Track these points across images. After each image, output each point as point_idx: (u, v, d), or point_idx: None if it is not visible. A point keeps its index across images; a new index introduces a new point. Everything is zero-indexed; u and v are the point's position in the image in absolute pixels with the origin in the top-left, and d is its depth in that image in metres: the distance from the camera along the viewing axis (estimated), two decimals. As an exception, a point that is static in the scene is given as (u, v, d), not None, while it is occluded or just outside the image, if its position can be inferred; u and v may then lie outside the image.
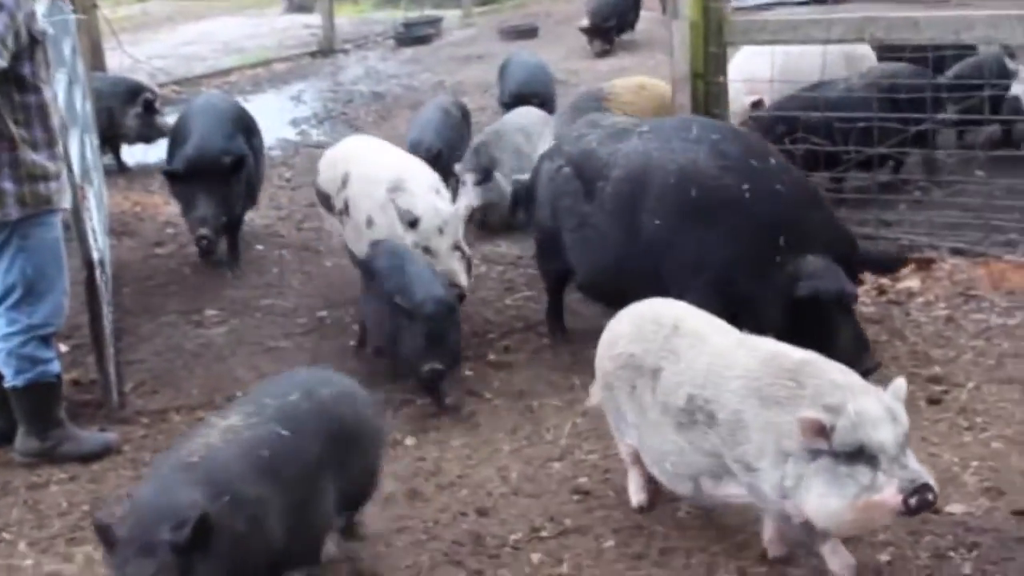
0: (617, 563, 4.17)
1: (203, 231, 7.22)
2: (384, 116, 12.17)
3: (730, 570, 4.07)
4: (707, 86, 7.19)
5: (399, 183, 6.27)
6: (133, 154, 10.57)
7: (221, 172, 7.32)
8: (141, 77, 11.39)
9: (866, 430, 3.49)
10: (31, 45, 4.95)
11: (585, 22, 14.66)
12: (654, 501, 4.47)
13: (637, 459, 4.38)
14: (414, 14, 18.98)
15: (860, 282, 5.61)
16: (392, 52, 16.73)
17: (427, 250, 6.04)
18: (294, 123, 12.29)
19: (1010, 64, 8.19)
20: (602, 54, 14.42)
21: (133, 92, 10.13)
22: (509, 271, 7.36)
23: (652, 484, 4.43)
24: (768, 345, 3.99)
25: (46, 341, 5.18)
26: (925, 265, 6.75)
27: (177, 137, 7.81)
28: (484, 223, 8.15)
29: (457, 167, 8.07)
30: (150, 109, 10.08)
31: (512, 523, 4.47)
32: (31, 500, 4.92)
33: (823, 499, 3.58)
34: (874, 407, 3.54)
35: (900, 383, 3.69)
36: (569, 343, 6.18)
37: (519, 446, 5.09)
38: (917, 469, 3.51)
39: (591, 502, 4.59)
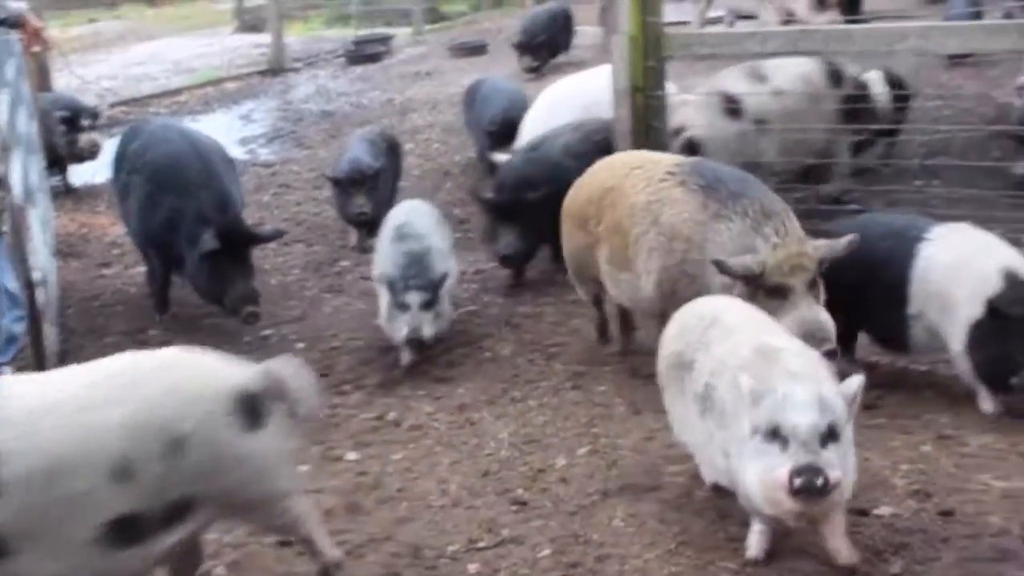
0: (553, 571, 4.21)
1: None
2: (333, 135, 12.20)
3: (660, 575, 4.12)
4: (646, 99, 7.26)
5: None
6: (81, 175, 10.56)
7: None
8: (89, 98, 11.38)
9: (784, 411, 3.57)
10: None
11: (516, 38, 14.69)
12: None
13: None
14: (364, 32, 19.05)
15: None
16: (342, 70, 16.80)
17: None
18: (243, 142, 12.32)
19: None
20: (531, 71, 14.30)
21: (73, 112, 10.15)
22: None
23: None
24: (765, 337, 4.07)
25: None
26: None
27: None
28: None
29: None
30: (73, 127, 10.06)
31: (451, 534, 4.51)
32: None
33: (746, 475, 3.73)
34: (802, 393, 3.61)
35: (855, 380, 3.73)
36: (511, 357, 6.24)
37: (459, 458, 5.13)
38: (826, 457, 3.54)
39: (528, 512, 4.63)
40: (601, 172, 5.91)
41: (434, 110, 12.98)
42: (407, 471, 5.07)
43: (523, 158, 7.63)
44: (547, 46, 14.66)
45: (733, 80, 7.91)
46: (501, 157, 8.13)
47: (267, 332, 6.85)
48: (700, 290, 5.05)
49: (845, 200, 7.79)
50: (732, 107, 7.78)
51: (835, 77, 7.98)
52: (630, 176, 5.63)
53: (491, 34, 17.93)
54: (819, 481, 3.49)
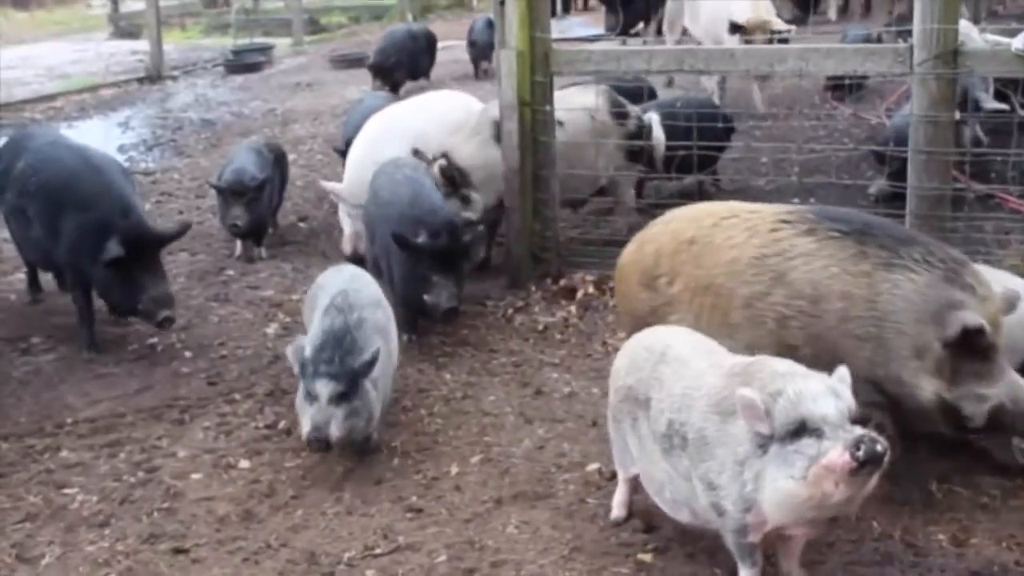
0: (449, 577, 4.28)
1: None
2: (214, 144, 12.12)
3: (557, 580, 4.21)
4: (534, 114, 7.37)
5: None
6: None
7: None
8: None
9: (806, 404, 3.52)
10: None
11: (369, 59, 14.25)
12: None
13: (629, 480, 4.47)
14: (244, 41, 18.93)
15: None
16: (222, 79, 16.69)
17: None
18: (122, 149, 12.17)
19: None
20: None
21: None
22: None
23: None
24: (732, 359, 4.02)
25: None
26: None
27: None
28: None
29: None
30: None
31: (346, 541, 4.53)
32: None
33: (776, 483, 3.58)
34: (814, 385, 3.58)
35: (844, 370, 3.72)
36: (401, 367, 6.27)
37: (352, 467, 5.15)
38: (864, 431, 3.50)
39: (424, 519, 4.67)
40: (675, 222, 5.06)
41: (316, 121, 12.97)
42: (301, 479, 5.07)
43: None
44: (404, 68, 14.19)
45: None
46: (329, 185, 8.09)
47: (153, 340, 6.78)
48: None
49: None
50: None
51: (620, 114, 7.90)
52: (721, 226, 4.84)
53: (371, 46, 17.86)
54: (879, 447, 3.43)
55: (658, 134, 8.22)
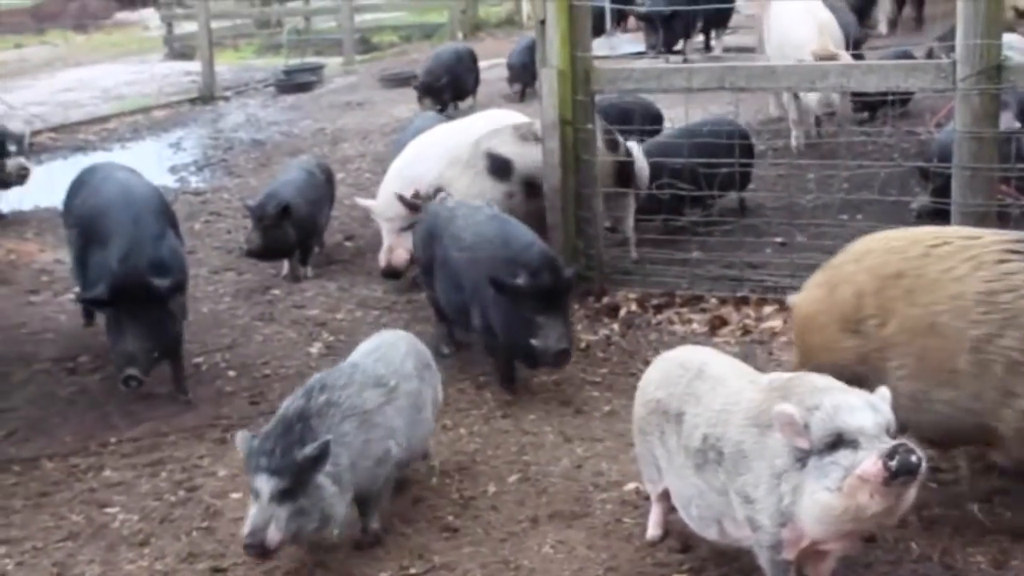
0: (484, 597, 4.28)
1: None
2: (264, 163, 12.23)
3: (591, 600, 4.21)
4: (576, 132, 7.38)
5: None
6: (8, 201, 10.51)
7: None
8: (15, 123, 11.33)
9: (842, 416, 3.51)
10: None
11: (417, 79, 14.21)
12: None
13: (662, 498, 4.45)
14: (295, 61, 19.09)
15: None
16: (273, 99, 16.84)
17: None
18: (173, 170, 12.33)
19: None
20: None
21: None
22: (384, 315, 7.45)
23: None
24: (772, 375, 4.03)
25: None
26: (787, 306, 6.98)
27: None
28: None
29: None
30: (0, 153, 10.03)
31: (382, 561, 4.54)
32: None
33: (814, 496, 3.56)
34: (852, 399, 3.58)
35: (884, 389, 3.70)
36: (444, 386, 6.28)
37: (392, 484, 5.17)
38: (900, 440, 3.47)
39: (459, 539, 4.68)
40: (869, 257, 4.52)
41: (365, 140, 13.05)
42: (338, 499, 5.09)
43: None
44: (453, 93, 14.12)
45: (501, 140, 7.69)
46: (365, 201, 8.11)
47: (198, 360, 6.85)
48: None
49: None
50: (500, 167, 7.54)
51: (611, 144, 7.82)
52: (933, 256, 4.31)
53: (421, 65, 18.01)
54: (914, 458, 3.39)
55: (641, 163, 8.09)
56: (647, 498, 4.76)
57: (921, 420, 4.29)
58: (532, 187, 7.55)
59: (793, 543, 3.75)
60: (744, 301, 7.07)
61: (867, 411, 3.53)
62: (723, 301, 7.10)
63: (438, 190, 7.35)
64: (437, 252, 6.54)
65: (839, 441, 3.50)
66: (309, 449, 4.23)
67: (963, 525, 4.46)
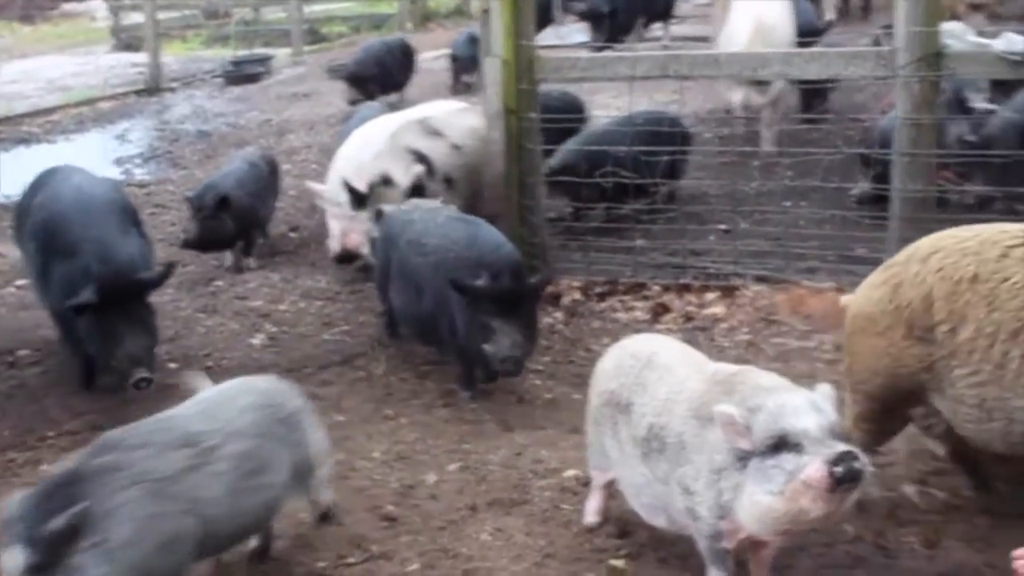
0: (421, 585, 4.28)
1: None
2: (210, 155, 12.15)
3: (528, 587, 4.22)
4: (520, 121, 7.38)
5: None
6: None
7: None
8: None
9: (786, 418, 3.46)
10: None
11: (347, 69, 13.93)
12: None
13: (604, 486, 4.45)
14: (243, 52, 18.98)
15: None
16: (220, 90, 16.75)
17: None
18: (118, 162, 12.24)
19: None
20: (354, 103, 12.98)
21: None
22: (328, 306, 7.43)
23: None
24: (716, 366, 4.01)
25: None
26: (730, 292, 7.03)
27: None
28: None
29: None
30: None
31: (320, 551, 4.52)
32: None
33: (754, 498, 3.53)
34: (795, 399, 3.53)
35: (826, 386, 3.69)
36: (383, 375, 6.28)
37: (331, 475, 5.14)
38: (845, 446, 3.43)
39: (398, 528, 4.67)
40: (939, 257, 4.23)
41: (312, 131, 12.99)
42: (278, 489, 5.07)
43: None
44: (381, 86, 13.72)
45: (413, 136, 7.68)
46: (314, 186, 8.01)
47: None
48: None
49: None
50: (424, 163, 7.61)
51: None
52: (1012, 259, 4.05)
53: (350, 56, 17.94)
54: (858, 464, 3.36)
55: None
56: (585, 484, 4.77)
57: (992, 429, 4.09)
58: (449, 182, 7.64)
59: (732, 534, 3.76)
60: (687, 288, 7.10)
61: (811, 413, 3.48)
62: (666, 288, 7.13)
63: (384, 179, 7.33)
64: (393, 258, 6.41)
65: (782, 444, 3.45)
66: (58, 520, 3.50)
67: (897, 507, 4.51)
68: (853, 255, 7.24)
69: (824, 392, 3.63)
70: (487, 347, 5.67)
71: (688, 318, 6.80)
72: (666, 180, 8.43)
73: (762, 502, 3.51)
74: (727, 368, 3.96)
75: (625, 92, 9.18)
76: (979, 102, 8.45)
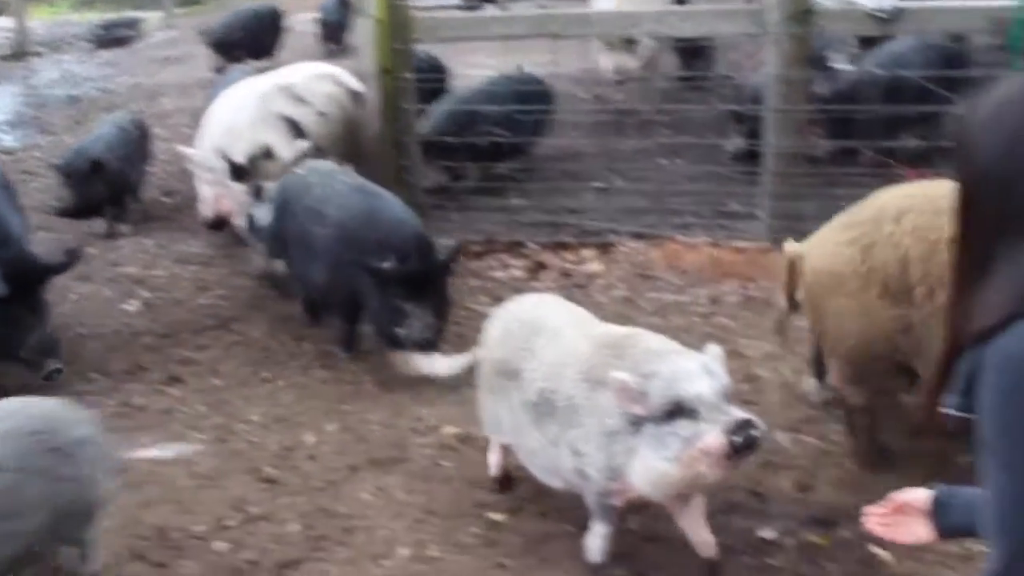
0: (301, 545, 4.25)
1: None
2: (79, 120, 11.85)
3: (406, 543, 4.22)
4: (395, 81, 7.33)
5: None
6: None
7: None
8: None
9: (681, 384, 3.43)
10: None
11: (213, 35, 13.53)
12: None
13: (503, 449, 4.41)
14: (112, 16, 18.57)
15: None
16: (89, 55, 16.33)
17: None
18: (-17, 129, 11.88)
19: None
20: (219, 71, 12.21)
21: None
22: (202, 271, 7.33)
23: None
24: (603, 328, 3.99)
25: None
26: (606, 249, 7.08)
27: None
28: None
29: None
30: None
31: (197, 515, 4.49)
32: None
33: (649, 463, 3.52)
34: (688, 364, 3.51)
35: (715, 347, 3.67)
36: (260, 338, 6.23)
37: (207, 440, 5.11)
38: (741, 412, 3.43)
39: (277, 489, 4.66)
40: (911, 217, 4.17)
41: (184, 95, 12.74)
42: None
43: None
44: (250, 51, 13.16)
45: (283, 102, 7.33)
46: (187, 151, 7.68)
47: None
48: None
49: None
50: (298, 129, 7.22)
51: (356, 97, 7.60)
52: None
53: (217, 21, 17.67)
54: (755, 432, 3.37)
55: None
56: (464, 441, 4.80)
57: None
58: (320, 152, 7.43)
59: (621, 493, 3.78)
60: (564, 246, 7.13)
61: (704, 377, 3.46)
62: (543, 246, 7.15)
63: (265, 151, 7.11)
64: (290, 223, 6.14)
65: (678, 410, 3.44)
66: None
67: (771, 453, 4.59)
68: (727, 210, 7.36)
69: (714, 354, 3.63)
70: (399, 330, 5.52)
71: (566, 275, 6.83)
72: (532, 139, 8.45)
73: (657, 467, 3.51)
74: (616, 331, 3.95)
75: (500, 52, 9.22)
76: (839, 62, 8.64)
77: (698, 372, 3.47)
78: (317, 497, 4.57)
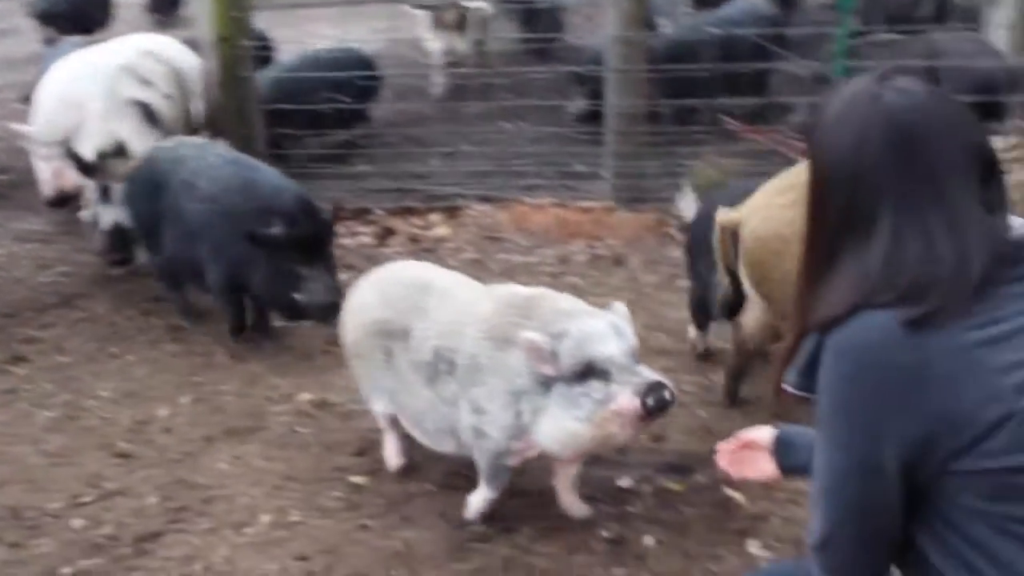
0: (160, 517, 4.19)
1: None
2: None
3: (267, 510, 4.21)
4: (233, 49, 7.25)
5: None
6: None
7: None
8: None
9: (593, 345, 3.45)
10: None
11: (37, 7, 12.82)
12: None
13: (393, 424, 4.32)
14: (-69, -11, 17.89)
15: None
16: (-93, 30, 15.74)
17: None
18: None
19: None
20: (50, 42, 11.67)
21: None
22: (43, 248, 7.16)
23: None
24: (505, 289, 3.96)
25: None
26: (454, 213, 7.12)
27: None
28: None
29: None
30: None
31: (51, 492, 4.40)
32: None
33: (560, 422, 3.55)
34: (598, 325, 3.52)
35: (620, 305, 3.69)
36: (106, 314, 6.12)
37: (57, 417, 5.01)
38: (651, 374, 3.48)
39: (132, 463, 4.59)
40: None
41: (12, 69, 12.38)
42: (2, 433, 4.90)
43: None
44: (78, 25, 12.27)
45: (128, 85, 6.79)
46: (21, 128, 7.30)
47: None
48: None
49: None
50: (151, 115, 6.76)
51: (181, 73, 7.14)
52: None
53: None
54: (667, 394, 3.40)
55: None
56: (320, 407, 4.80)
57: None
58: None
59: (521, 453, 3.80)
60: (411, 211, 7.15)
61: (614, 338, 3.49)
62: (391, 212, 7.16)
63: (117, 146, 6.75)
64: (164, 202, 5.77)
65: (589, 371, 3.46)
66: None
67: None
68: (571, 171, 7.46)
69: (621, 313, 3.67)
70: (299, 296, 5.29)
71: (414, 240, 6.85)
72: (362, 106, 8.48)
73: (568, 427, 3.54)
74: (521, 291, 3.93)
75: (341, 22, 9.19)
76: (664, 25, 8.87)
77: (608, 333, 3.50)
78: (174, 469, 4.52)
